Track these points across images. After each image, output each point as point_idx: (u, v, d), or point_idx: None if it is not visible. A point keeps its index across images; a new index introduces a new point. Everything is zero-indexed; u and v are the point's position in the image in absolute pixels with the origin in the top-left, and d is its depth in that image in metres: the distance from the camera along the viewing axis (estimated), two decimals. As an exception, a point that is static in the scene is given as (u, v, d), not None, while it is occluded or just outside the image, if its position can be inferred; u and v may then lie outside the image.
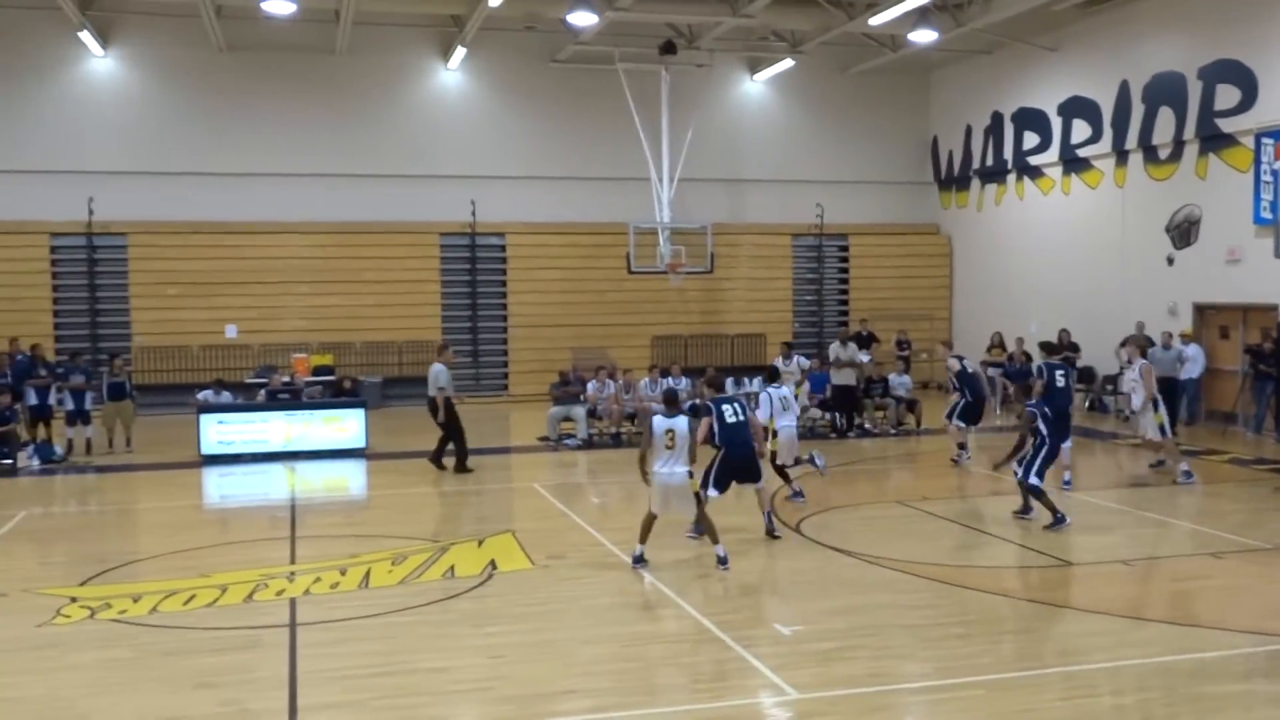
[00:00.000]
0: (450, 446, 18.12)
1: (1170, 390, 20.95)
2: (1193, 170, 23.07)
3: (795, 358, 22.04)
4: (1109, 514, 14.92)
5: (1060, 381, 15.03)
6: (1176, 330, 22.19)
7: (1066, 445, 14.96)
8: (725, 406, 12.62)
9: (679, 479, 11.61)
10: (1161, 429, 16.40)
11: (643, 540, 11.74)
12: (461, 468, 17.93)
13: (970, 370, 18.31)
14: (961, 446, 18.17)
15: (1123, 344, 20.31)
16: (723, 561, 11.59)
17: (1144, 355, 17.24)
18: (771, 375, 15.68)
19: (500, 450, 20.82)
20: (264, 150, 27.10)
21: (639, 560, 11.71)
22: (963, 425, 18.10)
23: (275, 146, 27.16)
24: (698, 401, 13.44)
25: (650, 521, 11.74)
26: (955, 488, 17.02)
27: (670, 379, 22.44)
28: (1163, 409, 16.35)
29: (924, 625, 9.81)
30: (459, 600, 10.81)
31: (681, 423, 11.62)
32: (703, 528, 12.18)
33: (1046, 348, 16.86)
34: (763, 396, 14.62)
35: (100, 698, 8.30)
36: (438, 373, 17.87)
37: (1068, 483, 15.54)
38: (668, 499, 11.64)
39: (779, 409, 14.50)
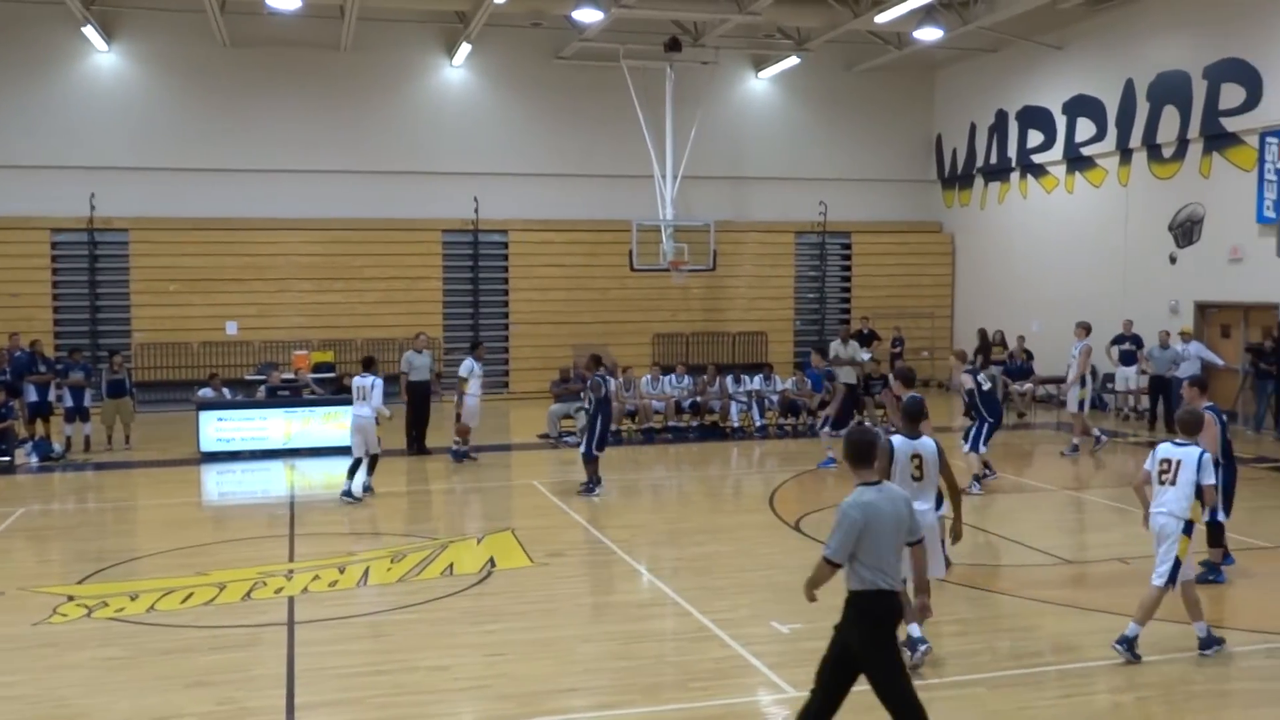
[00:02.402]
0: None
1: (1163, 389, 21.22)
2: (1196, 169, 23.02)
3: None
4: (1107, 512, 14.92)
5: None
6: (1177, 329, 22.15)
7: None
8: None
9: (931, 520, 8.80)
10: (1081, 404, 18.77)
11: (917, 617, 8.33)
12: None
13: (987, 388, 16.19)
14: (986, 466, 16.31)
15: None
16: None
17: (1088, 335, 19.19)
18: None
19: (500, 447, 20.81)
20: (267, 146, 27.08)
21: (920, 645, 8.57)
22: (984, 450, 16.10)
23: (278, 143, 27.14)
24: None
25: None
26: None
27: (673, 376, 22.47)
28: (1089, 388, 19.03)
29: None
30: (458, 598, 10.80)
31: (930, 446, 8.86)
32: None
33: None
34: None
35: (96, 696, 8.30)
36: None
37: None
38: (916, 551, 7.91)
39: None
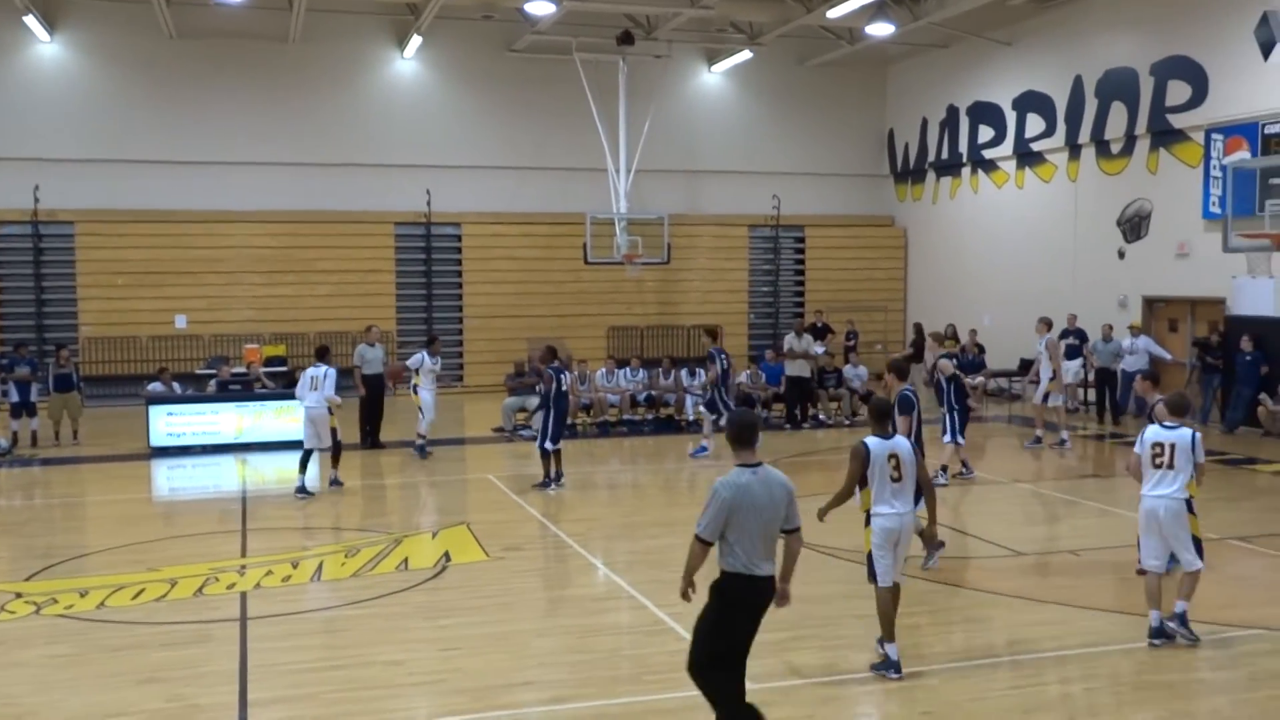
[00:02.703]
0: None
1: (1108, 381, 21.66)
2: (1144, 165, 23.33)
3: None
4: (1057, 505, 15.10)
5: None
6: (1126, 323, 22.45)
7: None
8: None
9: (910, 521, 8.83)
10: (1045, 397, 19.02)
11: (892, 636, 8.46)
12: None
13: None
14: (965, 465, 16.33)
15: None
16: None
17: (1050, 330, 19.58)
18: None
19: (455, 441, 20.72)
20: (216, 138, 26.77)
21: (894, 668, 8.38)
22: (963, 441, 16.09)
23: (227, 135, 26.84)
24: (909, 391, 11.37)
25: (894, 601, 8.59)
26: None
27: (628, 369, 22.49)
28: (1058, 380, 19.08)
29: (875, 616, 9.84)
30: (413, 593, 10.75)
31: (905, 446, 8.77)
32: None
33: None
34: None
35: (45, 694, 8.18)
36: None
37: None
38: (900, 551, 8.65)
39: None
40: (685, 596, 6.87)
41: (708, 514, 6.57)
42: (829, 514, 8.71)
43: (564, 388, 15.97)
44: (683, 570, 6.83)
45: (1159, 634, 8.99)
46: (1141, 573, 9.59)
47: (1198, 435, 9.14)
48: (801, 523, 6.85)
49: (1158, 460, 9.07)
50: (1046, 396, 19.20)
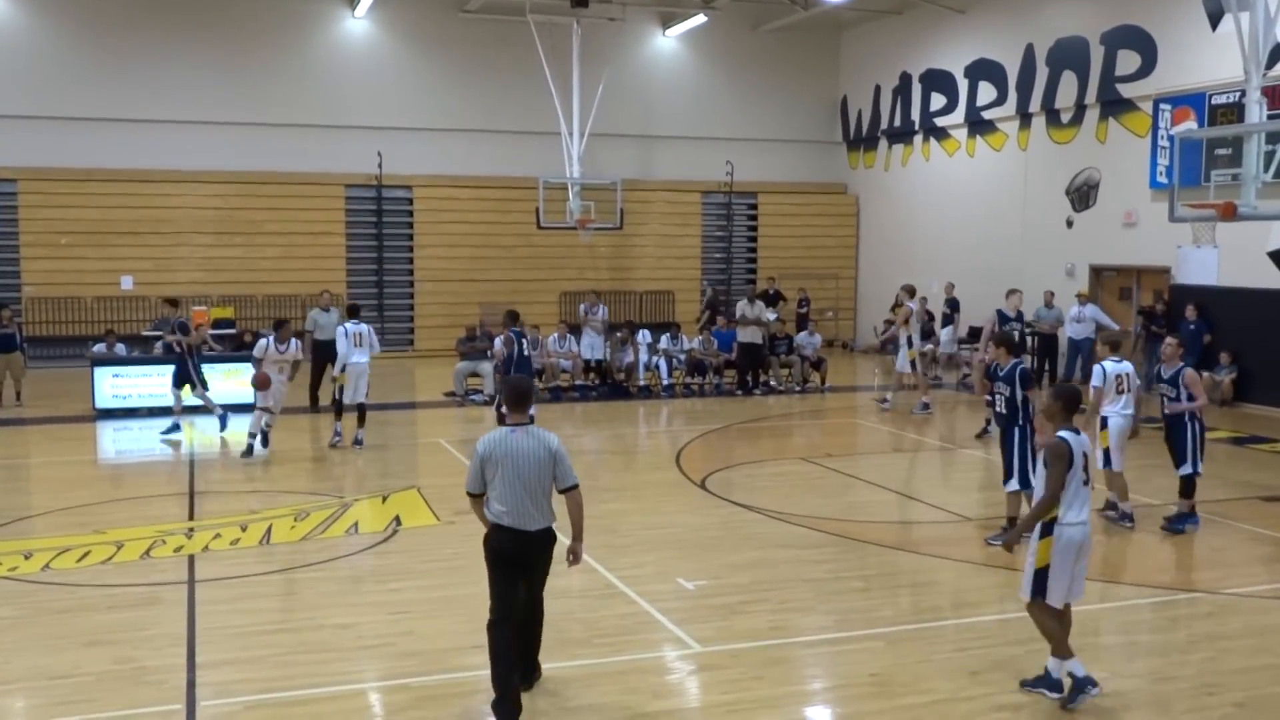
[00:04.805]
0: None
1: (1048, 348, 22.20)
2: (1093, 134, 23.54)
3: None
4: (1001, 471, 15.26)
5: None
6: (1073, 291, 22.70)
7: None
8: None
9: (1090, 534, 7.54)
10: (913, 364, 19.67)
11: (1065, 652, 7.44)
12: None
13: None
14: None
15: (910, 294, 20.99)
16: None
17: (912, 298, 20.47)
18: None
19: (406, 405, 20.64)
20: (163, 96, 26.29)
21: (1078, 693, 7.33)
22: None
23: (174, 92, 26.37)
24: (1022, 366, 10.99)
25: (1064, 617, 7.54)
26: (857, 445, 17.27)
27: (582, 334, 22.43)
28: (917, 346, 19.90)
29: (824, 579, 9.97)
30: (363, 556, 10.73)
31: (1088, 443, 7.56)
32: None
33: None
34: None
35: (-11, 657, 8.10)
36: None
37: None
38: (1081, 568, 7.50)
39: None
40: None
41: (469, 469, 7.14)
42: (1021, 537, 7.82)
43: (525, 352, 15.95)
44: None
45: (1121, 517, 11.62)
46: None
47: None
48: (577, 483, 7.23)
49: (1121, 387, 11.52)
50: (913, 363, 19.73)
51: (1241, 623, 8.91)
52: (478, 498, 7.14)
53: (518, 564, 7.12)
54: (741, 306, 22.50)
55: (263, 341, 16.04)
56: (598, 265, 29.46)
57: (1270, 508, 12.84)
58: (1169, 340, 11.97)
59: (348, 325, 16.17)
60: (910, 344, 19.67)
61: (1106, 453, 11.57)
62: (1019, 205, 25.62)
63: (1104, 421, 11.54)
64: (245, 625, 8.73)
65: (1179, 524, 11.56)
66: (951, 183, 27.98)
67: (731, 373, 22.51)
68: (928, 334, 24.40)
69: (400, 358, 27.28)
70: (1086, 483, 7.40)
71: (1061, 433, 7.37)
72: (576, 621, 8.85)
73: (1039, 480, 7.45)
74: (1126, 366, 11.67)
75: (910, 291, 20.54)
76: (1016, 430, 10.95)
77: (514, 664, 7.06)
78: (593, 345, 21.90)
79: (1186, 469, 11.50)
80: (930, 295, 25.68)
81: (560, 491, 7.15)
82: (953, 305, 24.11)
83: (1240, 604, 9.41)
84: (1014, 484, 10.94)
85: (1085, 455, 7.37)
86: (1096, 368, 11.78)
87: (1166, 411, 11.62)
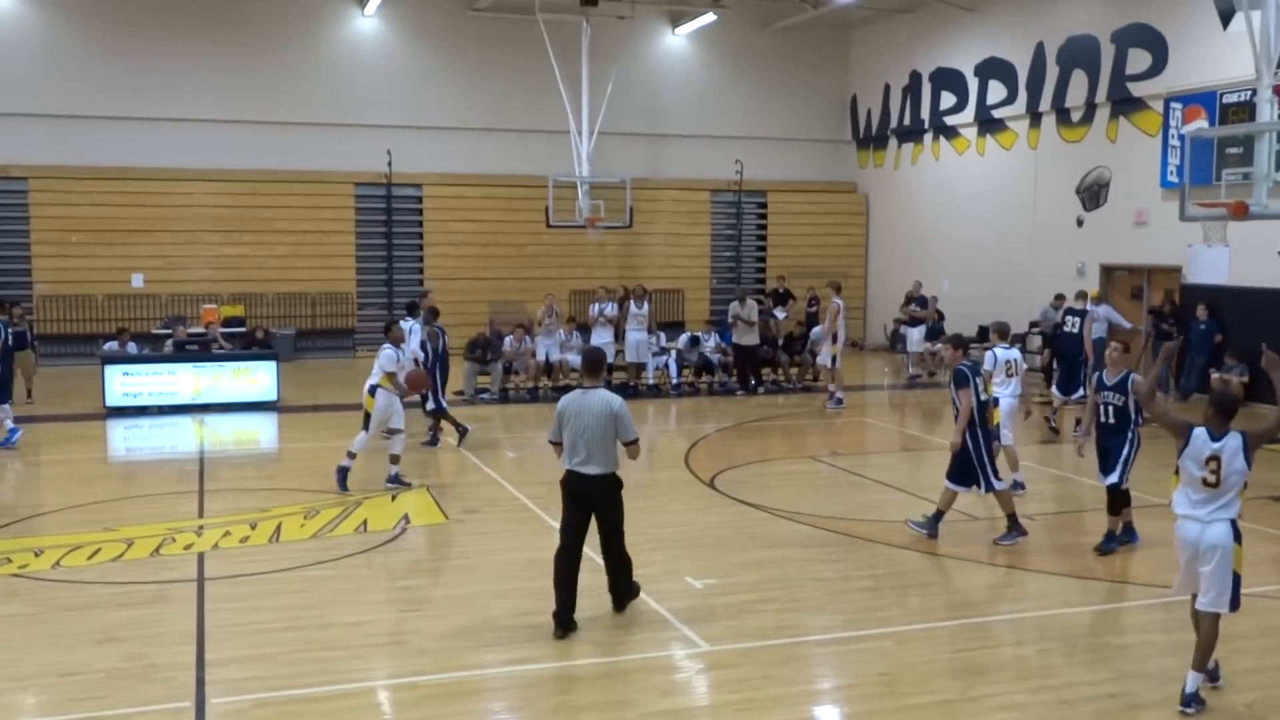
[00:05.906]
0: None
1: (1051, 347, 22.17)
2: (1104, 133, 23.47)
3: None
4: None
5: None
6: (1084, 291, 22.58)
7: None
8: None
9: (1216, 537, 7.17)
10: (833, 359, 20.08)
11: (1204, 666, 7.28)
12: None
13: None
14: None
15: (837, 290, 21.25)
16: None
17: (839, 295, 20.60)
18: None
19: (414, 405, 20.61)
20: (173, 95, 26.34)
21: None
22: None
23: (184, 91, 26.41)
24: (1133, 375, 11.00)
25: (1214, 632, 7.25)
26: (866, 444, 17.25)
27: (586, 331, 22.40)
28: (840, 344, 20.24)
29: (833, 579, 9.96)
30: (372, 554, 10.75)
31: (1235, 443, 7.19)
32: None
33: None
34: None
35: (1, 653, 8.12)
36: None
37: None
38: (1194, 570, 7.28)
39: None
40: None
41: (553, 422, 8.61)
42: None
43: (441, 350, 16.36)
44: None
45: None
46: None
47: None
48: (637, 437, 8.65)
49: (1010, 371, 13.01)
50: (834, 359, 20.15)
51: (1252, 623, 8.87)
52: (557, 444, 8.60)
53: (582, 501, 8.51)
54: (734, 308, 22.29)
55: (390, 351, 13.52)
56: (607, 264, 29.44)
57: (1281, 508, 12.80)
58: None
59: (408, 323, 16.07)
60: (835, 339, 20.10)
61: (996, 429, 11.98)
62: (1029, 204, 25.57)
63: (995, 401, 12.11)
64: (255, 623, 8.75)
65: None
66: (961, 182, 27.92)
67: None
68: (938, 333, 24.36)
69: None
70: (1212, 484, 7.13)
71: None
72: (585, 620, 8.85)
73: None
74: (1015, 353, 13.17)
75: (836, 288, 20.83)
76: (1129, 433, 10.71)
77: (571, 586, 8.43)
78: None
79: (1114, 478, 10.72)
80: (940, 294, 25.68)
81: (624, 445, 8.56)
82: (920, 303, 24.01)
83: (1251, 604, 9.33)
84: (1114, 478, 10.73)
85: (1216, 459, 7.14)
86: (988, 354, 12.97)
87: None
